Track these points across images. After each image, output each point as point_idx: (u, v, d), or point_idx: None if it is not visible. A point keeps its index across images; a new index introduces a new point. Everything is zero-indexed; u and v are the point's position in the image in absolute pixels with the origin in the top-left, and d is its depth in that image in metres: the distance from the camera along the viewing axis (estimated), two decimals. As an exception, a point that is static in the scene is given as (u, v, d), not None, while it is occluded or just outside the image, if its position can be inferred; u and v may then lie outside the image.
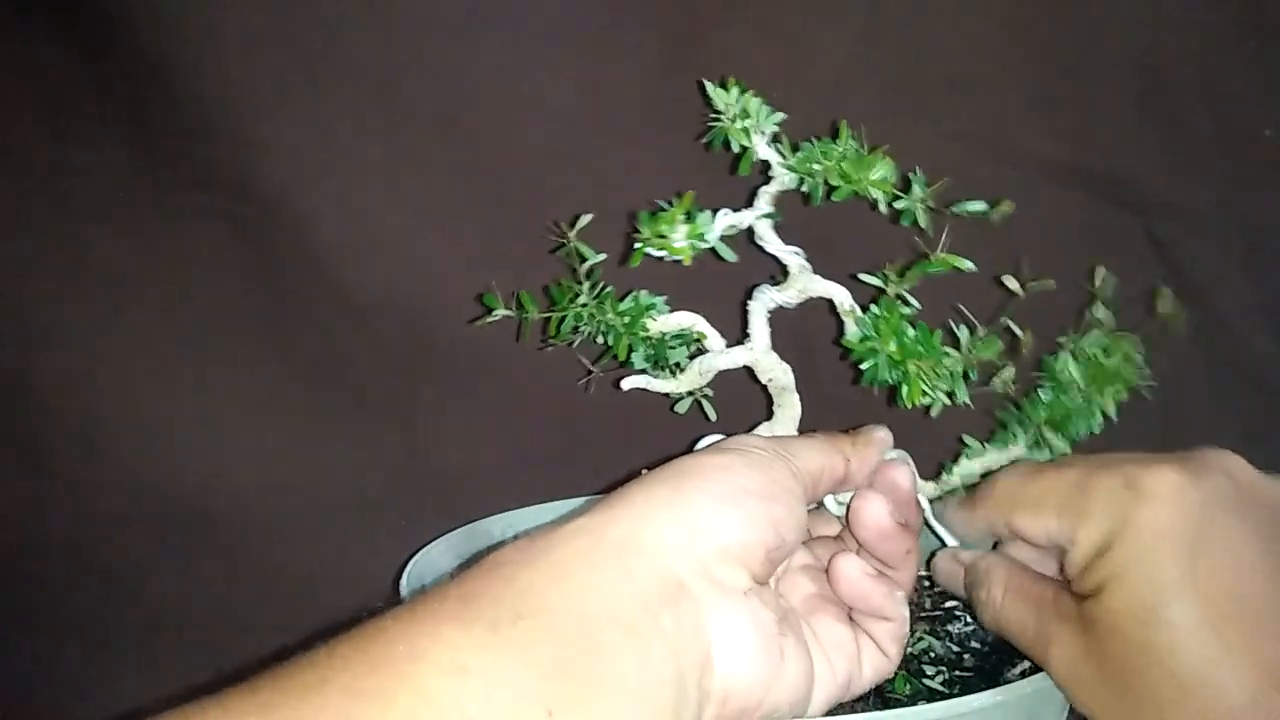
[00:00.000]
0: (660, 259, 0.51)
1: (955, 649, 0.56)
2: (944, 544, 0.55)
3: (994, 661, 0.55)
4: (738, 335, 0.56)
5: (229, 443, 0.73)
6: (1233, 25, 0.66)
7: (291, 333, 0.73)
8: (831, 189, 0.51)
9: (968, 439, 0.54)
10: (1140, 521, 0.44)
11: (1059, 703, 0.51)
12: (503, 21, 0.67)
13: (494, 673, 0.33)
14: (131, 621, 0.74)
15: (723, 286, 0.56)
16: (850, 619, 0.47)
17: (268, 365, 0.73)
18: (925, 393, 0.50)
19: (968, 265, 0.50)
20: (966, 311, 0.52)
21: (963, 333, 0.51)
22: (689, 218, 0.51)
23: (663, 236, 0.50)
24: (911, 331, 0.50)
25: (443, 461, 0.75)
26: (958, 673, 0.53)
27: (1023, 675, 0.53)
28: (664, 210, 0.51)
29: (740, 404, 0.57)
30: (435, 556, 0.61)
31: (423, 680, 0.33)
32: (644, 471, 0.54)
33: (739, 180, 0.68)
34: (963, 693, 0.51)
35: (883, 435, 0.51)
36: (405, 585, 0.56)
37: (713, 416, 0.58)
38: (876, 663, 0.46)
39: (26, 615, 0.74)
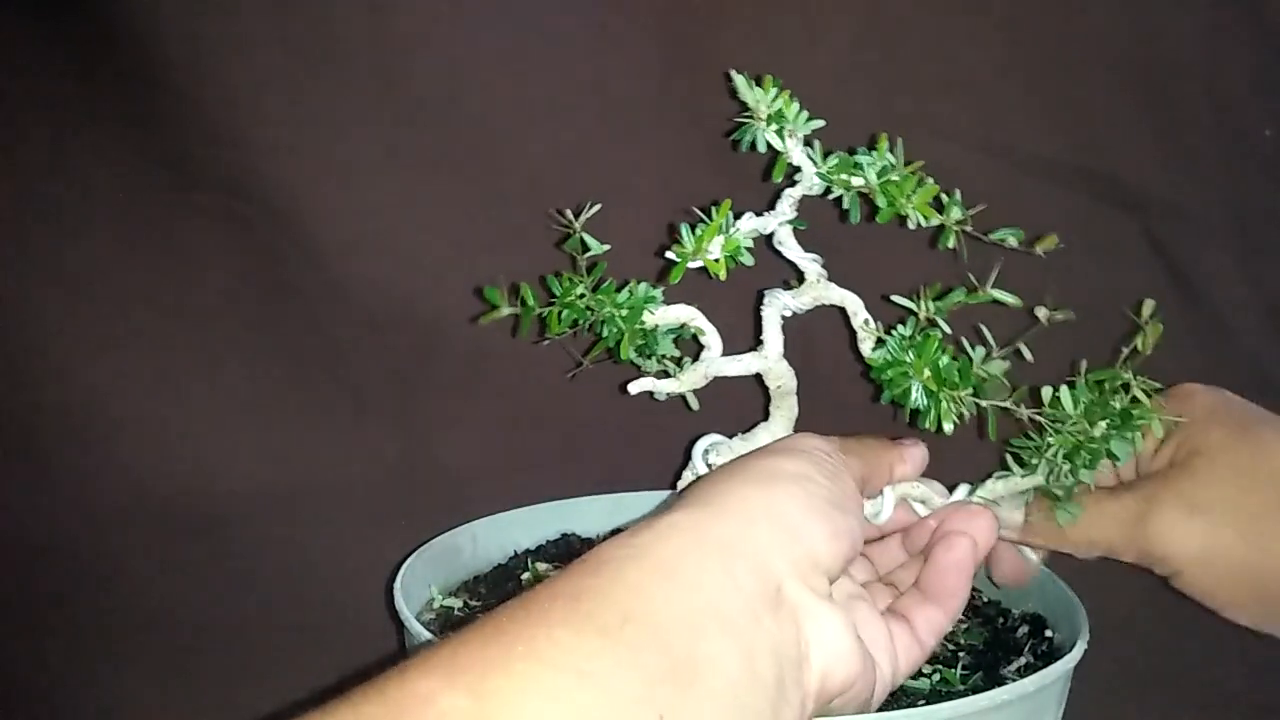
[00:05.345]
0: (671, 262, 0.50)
1: (952, 648, 0.56)
2: None
3: (991, 660, 0.55)
4: (730, 328, 0.55)
5: (228, 442, 0.73)
6: (1233, 25, 0.66)
7: (291, 333, 0.73)
8: (874, 209, 0.50)
9: (1009, 462, 0.53)
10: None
11: (1059, 702, 0.51)
12: (503, 21, 0.67)
13: (610, 678, 0.34)
14: (131, 621, 0.74)
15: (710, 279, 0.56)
16: (882, 612, 0.47)
17: (268, 365, 0.73)
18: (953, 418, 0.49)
19: (1014, 301, 0.49)
20: (988, 333, 0.50)
21: (977, 353, 0.50)
22: (725, 229, 0.50)
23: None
24: (946, 360, 0.49)
25: (441, 461, 0.75)
26: (955, 671, 0.53)
27: (1020, 674, 0.53)
28: (704, 222, 0.50)
29: (720, 394, 0.57)
30: (433, 556, 0.61)
31: (549, 682, 0.33)
32: (683, 476, 0.54)
33: (739, 181, 0.69)
34: (960, 693, 0.51)
35: (923, 453, 0.52)
36: (401, 585, 0.56)
37: (695, 405, 0.57)
38: (911, 654, 0.47)
39: (26, 615, 0.74)
